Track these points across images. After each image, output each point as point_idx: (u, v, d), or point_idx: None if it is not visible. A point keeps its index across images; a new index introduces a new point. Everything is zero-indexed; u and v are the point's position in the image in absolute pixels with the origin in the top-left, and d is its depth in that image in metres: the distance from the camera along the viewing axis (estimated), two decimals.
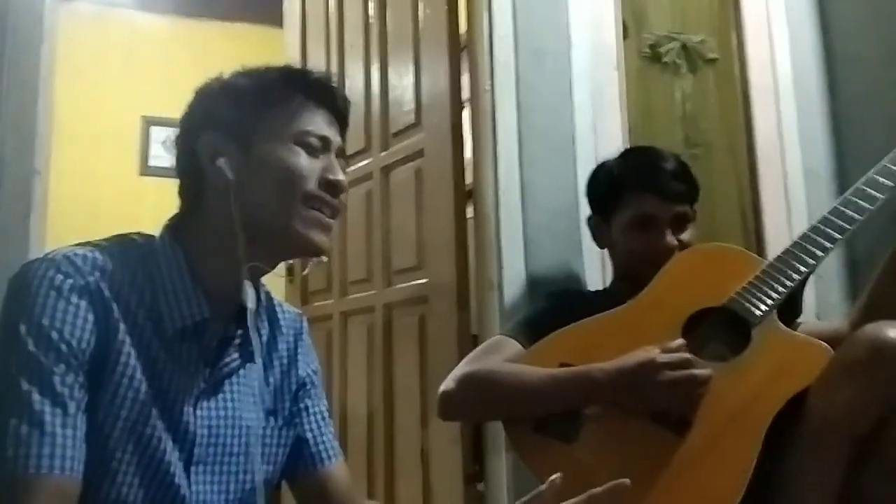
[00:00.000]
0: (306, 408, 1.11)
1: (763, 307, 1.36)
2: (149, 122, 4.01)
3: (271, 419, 1.05)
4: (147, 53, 4.00)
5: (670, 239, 1.53)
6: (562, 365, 1.37)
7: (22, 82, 1.45)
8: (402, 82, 2.18)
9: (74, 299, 0.88)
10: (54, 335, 0.86)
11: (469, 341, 1.87)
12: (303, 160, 0.99)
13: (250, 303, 0.96)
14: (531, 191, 1.87)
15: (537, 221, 1.86)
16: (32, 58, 1.45)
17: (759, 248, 2.09)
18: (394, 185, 2.17)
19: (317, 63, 2.61)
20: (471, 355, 1.51)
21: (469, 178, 1.95)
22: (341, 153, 1.06)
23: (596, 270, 1.85)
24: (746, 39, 2.16)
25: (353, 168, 2.37)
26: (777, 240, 2.07)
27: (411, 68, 2.15)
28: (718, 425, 1.27)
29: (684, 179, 1.58)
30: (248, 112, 1.00)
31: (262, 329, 1.06)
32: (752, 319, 1.35)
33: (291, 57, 2.72)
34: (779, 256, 1.43)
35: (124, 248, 0.98)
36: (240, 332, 1.01)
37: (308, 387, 1.12)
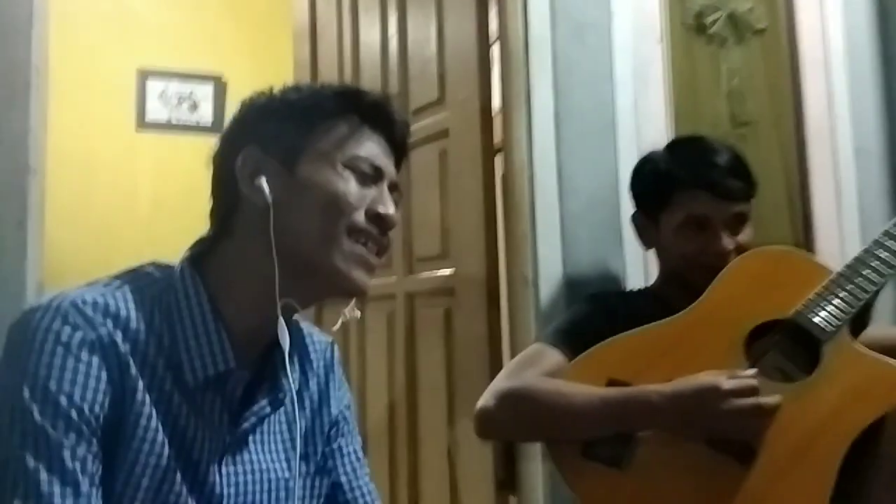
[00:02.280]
0: (339, 448, 1.02)
1: (834, 321, 1.26)
2: (145, 74, 3.84)
3: (302, 466, 0.96)
4: (141, 2, 3.81)
5: (727, 242, 1.40)
6: (611, 382, 1.28)
7: (10, 67, 1.29)
8: (424, 52, 2.01)
9: (85, 356, 0.78)
10: (63, 400, 0.77)
11: (500, 340, 1.76)
12: (352, 187, 0.89)
13: (285, 345, 0.86)
14: (568, 178, 1.73)
15: (575, 211, 1.72)
16: (22, 39, 1.29)
17: (807, 231, 1.98)
18: (415, 166, 2.03)
19: (327, 24, 2.44)
20: (510, 367, 1.41)
21: (499, 163, 1.80)
22: (395, 187, 0.94)
23: (637, 266, 1.72)
24: (797, 7, 1.99)
25: None
26: (826, 223, 1.97)
27: (433, 34, 1.98)
28: (786, 455, 1.19)
29: (740, 175, 1.45)
30: (296, 128, 0.91)
31: (292, 370, 0.94)
32: (821, 335, 1.25)
33: (298, 9, 2.54)
34: (850, 263, 1.32)
35: (139, 286, 0.87)
36: (269, 373, 0.93)
37: (341, 424, 1.02)
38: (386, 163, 0.93)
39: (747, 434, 1.19)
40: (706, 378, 1.19)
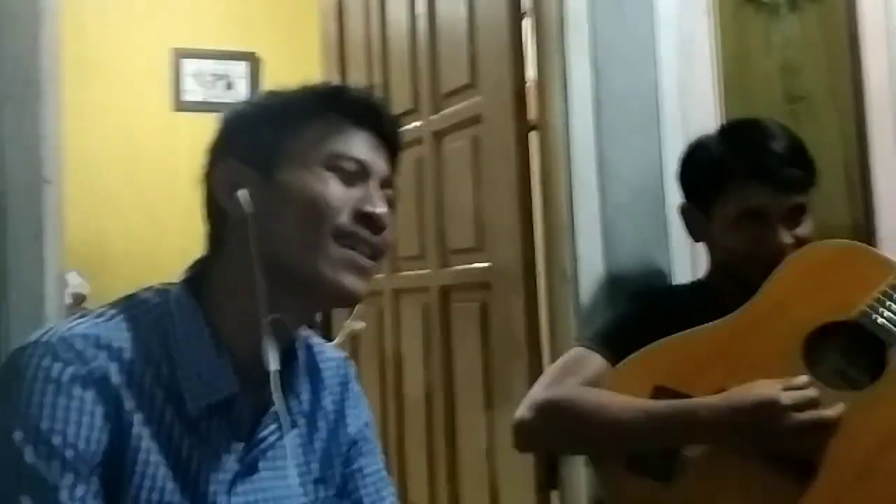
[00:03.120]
0: (360, 469, 0.97)
1: None
2: (179, 53, 3.82)
3: (320, 489, 0.91)
4: None
5: (784, 236, 1.30)
6: (656, 389, 1.21)
7: (22, 77, 1.24)
8: (454, 32, 1.92)
9: (78, 392, 0.75)
10: (57, 440, 0.73)
11: (538, 337, 1.68)
12: (333, 188, 0.83)
13: (273, 364, 0.81)
14: (609, 165, 1.63)
15: (616, 201, 1.62)
16: (33, 48, 1.24)
17: (868, 215, 1.85)
18: (447, 153, 1.95)
19: (354, 2, 2.35)
20: (549, 374, 1.35)
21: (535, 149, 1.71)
22: (388, 184, 0.88)
23: (684, 260, 1.62)
24: None
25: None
26: (889, 205, 1.84)
27: (464, 12, 1.88)
28: (850, 471, 1.11)
29: (800, 163, 1.34)
30: (272, 133, 0.86)
31: (303, 391, 0.91)
32: (887, 339, 1.17)
33: None
34: None
35: (133, 314, 0.83)
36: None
37: (360, 444, 0.98)
38: (373, 158, 0.87)
39: (807, 450, 1.12)
40: (762, 391, 1.12)
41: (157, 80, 3.72)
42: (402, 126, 0.94)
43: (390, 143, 0.90)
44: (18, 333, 1.08)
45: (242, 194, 0.83)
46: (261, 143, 0.86)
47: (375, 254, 0.86)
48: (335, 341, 0.99)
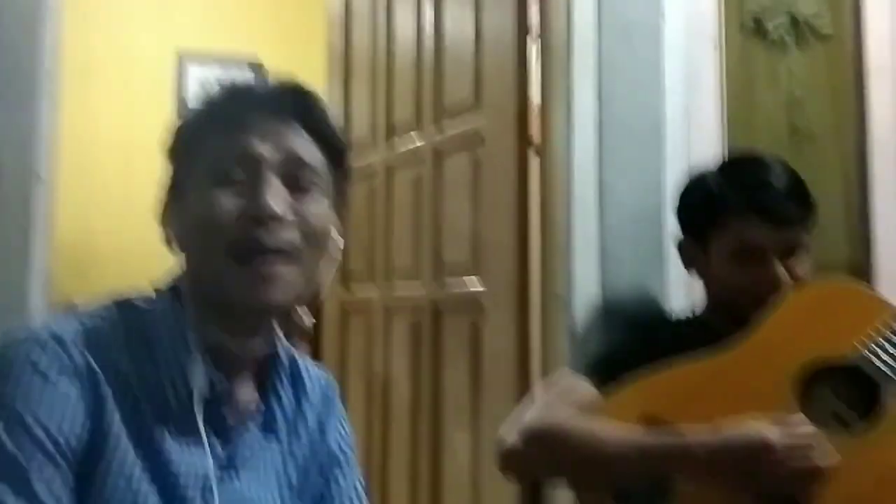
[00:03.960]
0: (336, 481, 0.96)
1: None
2: (184, 58, 3.81)
3: (296, 501, 0.90)
4: None
5: (781, 272, 1.29)
6: (646, 417, 1.18)
7: (18, 71, 1.23)
8: (460, 50, 1.91)
9: (63, 386, 0.75)
10: (39, 433, 0.73)
11: (529, 360, 1.67)
12: (217, 204, 0.80)
13: (196, 388, 0.81)
14: (609, 190, 1.62)
15: (615, 229, 1.61)
16: (31, 42, 1.23)
17: (867, 253, 1.84)
18: (447, 171, 1.94)
19: (361, 13, 2.35)
20: (538, 399, 1.33)
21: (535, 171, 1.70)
22: (294, 160, 0.82)
23: (680, 288, 1.60)
24: (865, 12, 1.84)
25: (402, 149, 2.13)
26: (888, 244, 1.84)
27: (470, 30, 1.87)
28: None
29: (799, 199, 1.33)
30: (180, 158, 0.86)
31: (286, 399, 0.91)
32: (883, 381, 1.16)
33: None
34: None
35: (121, 314, 0.83)
36: (261, 404, 0.89)
37: (340, 460, 0.97)
38: (266, 147, 0.81)
39: (800, 493, 1.10)
40: (756, 433, 1.11)
41: (160, 84, 3.72)
42: (299, 91, 0.86)
43: (306, 121, 0.84)
44: (1, 330, 1.06)
45: (170, 230, 0.85)
46: (174, 174, 0.86)
47: (283, 255, 0.80)
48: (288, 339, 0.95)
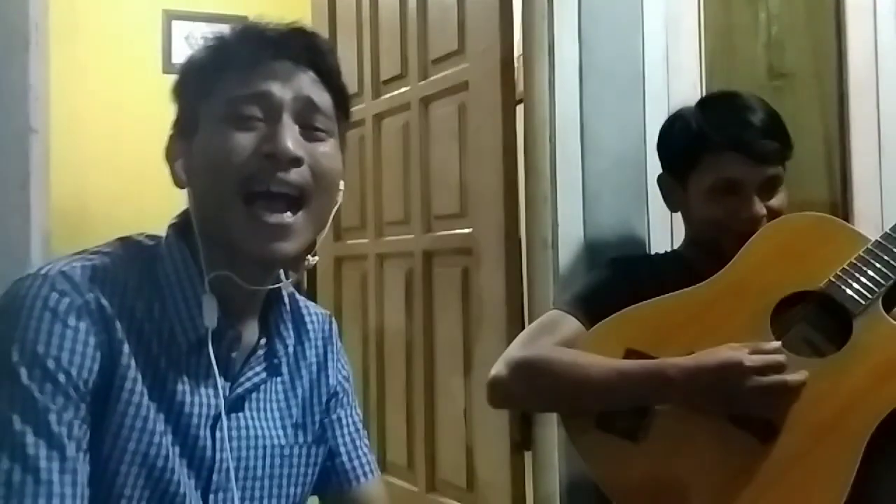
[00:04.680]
0: (339, 419, 1.00)
1: (868, 294, 1.20)
2: (170, 15, 3.79)
3: (300, 434, 0.94)
4: None
5: (758, 207, 1.33)
6: (629, 352, 1.24)
7: (6, 23, 1.24)
8: (444, 1, 1.92)
9: (73, 321, 0.77)
10: (51, 364, 0.76)
11: (520, 303, 1.71)
12: (231, 139, 0.81)
13: (208, 321, 0.83)
14: (592, 135, 1.65)
15: (598, 171, 1.64)
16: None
17: (845, 192, 1.87)
18: (434, 120, 1.96)
19: None
20: (524, 335, 1.37)
21: (521, 117, 1.73)
22: (310, 106, 0.84)
23: (663, 229, 1.64)
24: None
25: (387, 96, 2.15)
26: (866, 183, 1.86)
27: None
28: (811, 433, 1.14)
29: (776, 135, 1.36)
30: (190, 96, 0.86)
31: (288, 336, 0.94)
32: (853, 308, 1.20)
33: None
34: (888, 233, 1.26)
35: (128, 254, 0.86)
36: (263, 342, 0.91)
37: (340, 395, 1.01)
38: (279, 86, 0.82)
39: (770, 412, 1.14)
40: (728, 353, 1.15)
41: (147, 42, 3.69)
42: (317, 41, 0.88)
43: (316, 67, 0.85)
44: (4, 280, 1.10)
45: (177, 166, 0.86)
46: (183, 111, 0.87)
47: (293, 202, 0.82)
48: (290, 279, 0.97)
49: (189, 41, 3.79)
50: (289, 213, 0.82)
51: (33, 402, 0.74)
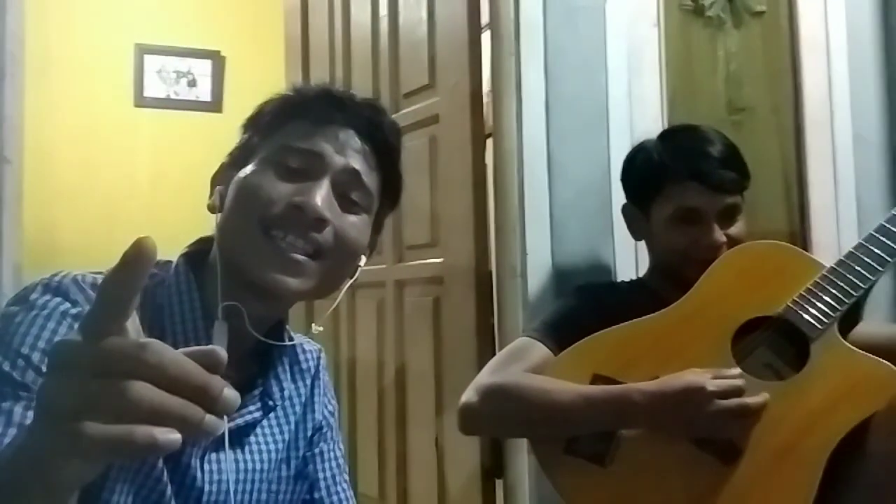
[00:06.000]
0: (321, 452, 1.01)
1: (825, 319, 1.23)
2: (143, 49, 3.80)
3: (283, 468, 0.95)
4: None
5: (718, 235, 1.37)
6: (595, 378, 1.27)
7: None
8: (414, 35, 1.97)
9: (67, 325, 0.78)
10: (36, 357, 0.75)
11: (491, 331, 1.74)
12: (269, 180, 0.84)
13: (218, 343, 0.80)
14: (559, 167, 1.70)
15: (565, 201, 1.69)
16: None
17: (803, 222, 1.94)
18: (406, 152, 1.96)
19: (319, 10, 2.39)
20: (494, 362, 1.40)
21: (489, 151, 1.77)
22: (354, 178, 0.86)
23: (628, 257, 1.69)
24: None
25: None
26: (823, 213, 1.93)
27: (424, 16, 1.94)
28: (771, 455, 1.17)
29: (734, 166, 1.41)
30: (253, 132, 0.90)
31: (284, 380, 0.94)
32: (810, 333, 1.23)
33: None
34: (842, 260, 1.29)
35: None
36: (259, 381, 0.91)
37: (325, 430, 1.01)
38: (329, 149, 0.85)
39: (732, 434, 1.17)
40: (690, 378, 1.17)
41: (119, 75, 3.69)
42: (386, 123, 0.90)
43: (370, 137, 0.88)
44: None
45: (217, 191, 0.88)
46: (242, 144, 0.90)
47: (312, 249, 0.83)
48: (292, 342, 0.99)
49: (161, 75, 3.81)
50: (304, 256, 0.83)
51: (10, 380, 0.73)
